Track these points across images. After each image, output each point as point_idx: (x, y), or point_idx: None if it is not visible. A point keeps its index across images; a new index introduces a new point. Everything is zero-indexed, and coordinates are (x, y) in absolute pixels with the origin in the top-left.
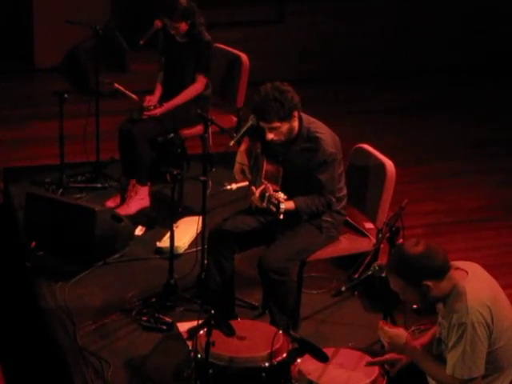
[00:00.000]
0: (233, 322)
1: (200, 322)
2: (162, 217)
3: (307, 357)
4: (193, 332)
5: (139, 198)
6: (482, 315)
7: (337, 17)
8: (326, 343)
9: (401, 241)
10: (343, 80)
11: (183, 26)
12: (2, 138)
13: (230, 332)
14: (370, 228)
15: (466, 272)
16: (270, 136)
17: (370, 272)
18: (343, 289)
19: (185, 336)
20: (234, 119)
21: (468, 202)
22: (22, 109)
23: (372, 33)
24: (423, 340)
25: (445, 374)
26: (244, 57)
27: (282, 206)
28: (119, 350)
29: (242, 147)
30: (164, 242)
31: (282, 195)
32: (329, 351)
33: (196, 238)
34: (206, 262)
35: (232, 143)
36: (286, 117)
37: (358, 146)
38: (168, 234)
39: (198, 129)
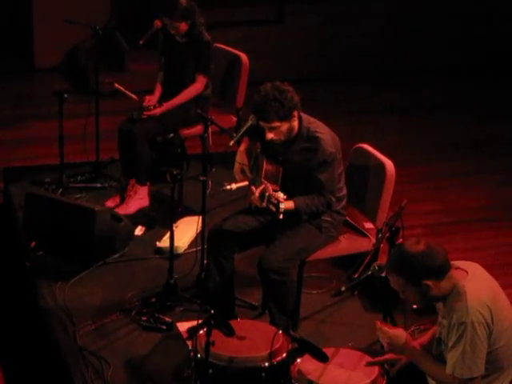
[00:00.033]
0: (233, 322)
1: (200, 321)
2: (162, 217)
3: (307, 357)
4: (193, 331)
5: (138, 198)
6: (481, 315)
7: (337, 17)
8: (325, 343)
9: (401, 241)
10: (343, 80)
11: (183, 26)
12: (1, 137)
13: (229, 332)
14: (370, 228)
15: (466, 272)
16: (270, 136)
17: (369, 272)
18: (343, 289)
19: (185, 336)
20: (234, 119)
21: (468, 201)
22: (22, 109)
23: (372, 33)
24: (423, 340)
25: (445, 374)
26: (244, 57)
27: (282, 206)
28: (119, 350)
29: (242, 147)
30: (164, 242)
31: (281, 195)
32: (329, 351)
33: (196, 238)
34: (205, 261)
35: (232, 143)
36: (286, 116)
37: (357, 145)
38: (168, 234)
39: (198, 129)
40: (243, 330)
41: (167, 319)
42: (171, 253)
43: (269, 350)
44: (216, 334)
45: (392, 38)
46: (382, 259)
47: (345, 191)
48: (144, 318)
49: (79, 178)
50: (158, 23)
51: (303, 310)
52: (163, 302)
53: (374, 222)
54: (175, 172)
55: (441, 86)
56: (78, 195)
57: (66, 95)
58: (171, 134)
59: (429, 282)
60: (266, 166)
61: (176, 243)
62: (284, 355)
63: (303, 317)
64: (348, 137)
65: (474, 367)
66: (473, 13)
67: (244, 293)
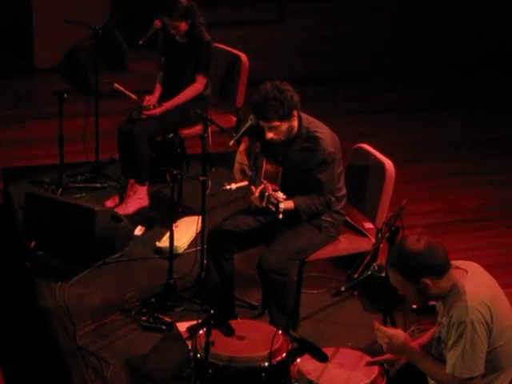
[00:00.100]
0: (232, 322)
1: (199, 321)
2: (162, 217)
3: (307, 356)
4: (193, 330)
5: (138, 198)
6: (481, 314)
7: (337, 17)
8: (325, 343)
9: None
10: (343, 80)
11: (183, 26)
12: (1, 137)
13: (229, 332)
14: (370, 228)
15: (466, 271)
16: (270, 135)
17: (369, 272)
18: (343, 289)
19: (184, 336)
20: (234, 119)
21: (468, 201)
22: (22, 109)
23: (372, 33)
24: (423, 340)
25: (444, 374)
26: (244, 57)
27: (281, 206)
28: (119, 350)
29: (242, 147)
30: (163, 242)
31: (281, 195)
32: (328, 351)
33: (195, 238)
34: (205, 261)
35: (231, 143)
36: (286, 116)
37: (357, 145)
38: (167, 234)
39: (198, 129)
40: (243, 329)
41: (167, 319)
42: (171, 253)
43: (268, 350)
44: (216, 334)
45: (392, 37)
46: (382, 259)
47: (344, 191)
48: (144, 318)
49: (79, 177)
50: (157, 23)
51: (303, 310)
52: (163, 301)
53: (373, 221)
54: (175, 172)
55: (441, 86)
56: (78, 195)
57: (65, 95)
58: (171, 134)
59: (428, 281)
60: (265, 166)
61: (176, 243)
62: (284, 355)
63: (303, 317)
64: (348, 137)
65: (473, 366)
66: (473, 13)
67: (244, 293)
